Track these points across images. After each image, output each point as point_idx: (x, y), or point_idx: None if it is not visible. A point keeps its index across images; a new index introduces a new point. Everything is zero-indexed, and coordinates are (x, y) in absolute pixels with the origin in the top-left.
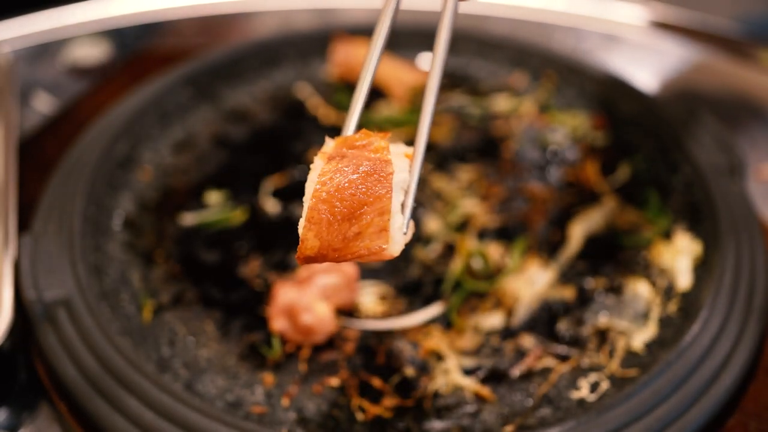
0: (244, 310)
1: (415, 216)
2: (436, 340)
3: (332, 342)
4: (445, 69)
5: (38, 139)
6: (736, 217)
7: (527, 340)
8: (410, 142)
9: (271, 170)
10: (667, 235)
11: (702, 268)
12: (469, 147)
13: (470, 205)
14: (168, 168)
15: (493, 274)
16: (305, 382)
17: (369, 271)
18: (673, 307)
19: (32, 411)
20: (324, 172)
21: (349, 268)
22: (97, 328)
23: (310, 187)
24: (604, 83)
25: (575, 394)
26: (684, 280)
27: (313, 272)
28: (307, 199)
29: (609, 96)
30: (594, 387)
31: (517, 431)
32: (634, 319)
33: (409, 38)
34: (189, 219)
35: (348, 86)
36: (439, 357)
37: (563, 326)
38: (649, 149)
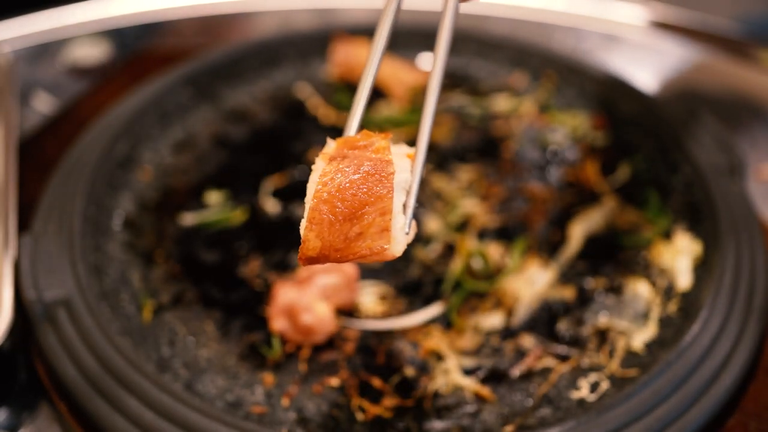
0: (244, 310)
1: (416, 216)
2: (436, 340)
3: (332, 342)
4: (446, 69)
5: (38, 139)
6: (736, 217)
7: (527, 340)
8: (410, 142)
9: (271, 170)
10: (667, 235)
11: (702, 268)
12: (469, 147)
13: (470, 205)
14: (168, 168)
15: (493, 274)
16: (305, 382)
17: (369, 271)
18: (673, 307)
19: (32, 411)
20: (325, 172)
21: (349, 268)
22: (97, 328)
23: (311, 188)
24: (604, 83)
25: (575, 394)
26: (684, 280)
27: (313, 272)
28: (309, 200)
29: (609, 96)
30: (594, 387)
31: (517, 431)
32: (634, 319)
33: (409, 38)
34: (189, 219)
35: (348, 86)
36: (439, 357)
37: (563, 326)
38: (649, 149)
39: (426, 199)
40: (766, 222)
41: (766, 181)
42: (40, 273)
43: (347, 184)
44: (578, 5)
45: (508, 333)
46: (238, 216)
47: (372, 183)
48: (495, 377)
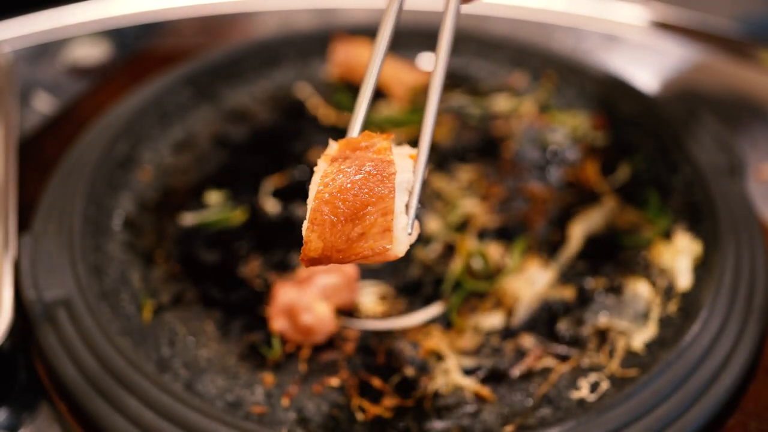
0: (244, 310)
1: (417, 216)
2: (436, 340)
3: (332, 342)
4: (447, 70)
5: (38, 139)
6: (736, 217)
7: (527, 340)
8: (411, 141)
9: (271, 170)
10: (667, 235)
11: (702, 268)
12: (469, 147)
13: (470, 205)
14: (168, 168)
15: (493, 274)
16: (305, 382)
17: (369, 271)
18: (673, 307)
19: (32, 411)
20: (326, 173)
21: (349, 268)
22: (97, 328)
23: (313, 189)
24: (604, 83)
25: (575, 394)
26: (684, 280)
27: (313, 272)
28: (311, 201)
29: (609, 96)
30: (594, 387)
31: (517, 431)
32: (634, 319)
33: (409, 38)
34: (189, 219)
35: (348, 86)
36: (439, 357)
37: (563, 326)
38: (649, 149)
39: (426, 199)
40: (766, 222)
41: (766, 181)
42: (40, 273)
43: (348, 185)
44: (578, 5)
45: (508, 333)
46: (238, 216)
47: (373, 183)
48: (495, 377)
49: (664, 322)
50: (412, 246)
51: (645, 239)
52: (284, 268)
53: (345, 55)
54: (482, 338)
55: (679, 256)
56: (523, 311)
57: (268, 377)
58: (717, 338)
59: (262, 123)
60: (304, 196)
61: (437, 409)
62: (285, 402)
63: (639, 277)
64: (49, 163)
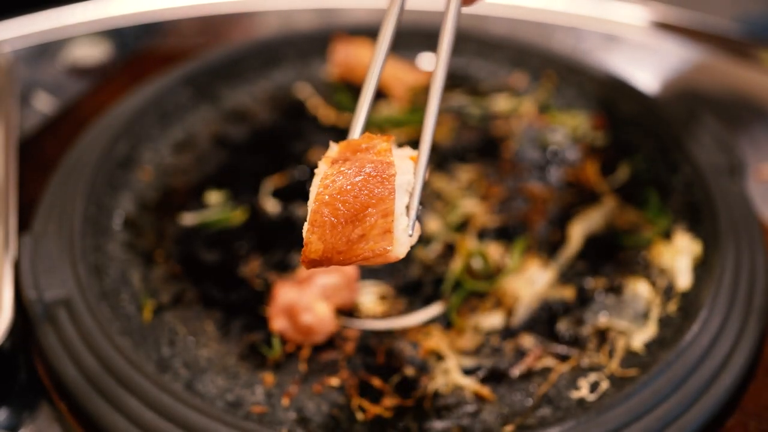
0: (244, 310)
1: (417, 217)
2: (436, 340)
3: (332, 342)
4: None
5: (38, 139)
6: (736, 217)
7: (527, 340)
8: (411, 141)
9: (271, 170)
10: (667, 235)
11: (702, 268)
12: (469, 147)
13: (470, 205)
14: (168, 168)
15: (493, 274)
16: (305, 382)
17: (369, 271)
18: (672, 307)
19: (32, 411)
20: (326, 175)
21: (349, 268)
22: (97, 328)
23: (313, 191)
24: (604, 83)
25: (575, 394)
26: (684, 280)
27: (313, 272)
28: (311, 203)
29: (609, 96)
30: (594, 387)
31: (517, 431)
32: (634, 319)
33: (409, 38)
34: (189, 219)
35: (348, 86)
36: (439, 357)
37: (563, 326)
38: (649, 149)
39: (426, 199)
40: (766, 222)
41: (766, 181)
42: (40, 273)
43: (348, 187)
44: (578, 5)
45: (508, 333)
46: (238, 216)
47: (373, 185)
48: (495, 377)
49: (664, 322)
50: (412, 247)
51: (645, 239)
52: (284, 268)
53: (345, 55)
54: (482, 338)
55: (679, 256)
56: (523, 311)
57: (268, 377)
58: (717, 338)
59: (262, 123)
60: (304, 196)
61: (437, 409)
62: (285, 402)
63: (639, 277)
64: (49, 163)
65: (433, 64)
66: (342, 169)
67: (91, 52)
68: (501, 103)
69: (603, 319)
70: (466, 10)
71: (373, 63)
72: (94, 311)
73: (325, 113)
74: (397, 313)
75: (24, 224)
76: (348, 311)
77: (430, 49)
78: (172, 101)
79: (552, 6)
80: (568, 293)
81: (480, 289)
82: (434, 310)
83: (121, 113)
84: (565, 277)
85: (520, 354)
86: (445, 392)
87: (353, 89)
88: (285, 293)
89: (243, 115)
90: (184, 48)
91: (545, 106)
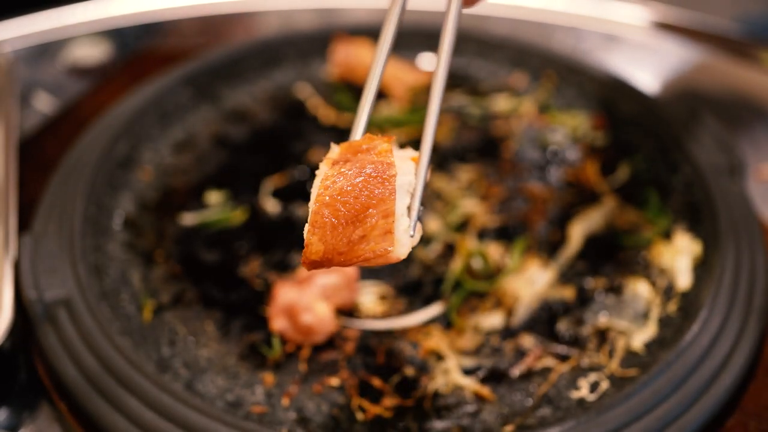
0: (244, 310)
1: (418, 217)
2: (436, 340)
3: (332, 342)
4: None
5: (38, 139)
6: (736, 217)
7: (527, 340)
8: (411, 141)
9: (271, 170)
10: (667, 235)
11: (702, 268)
12: (469, 147)
13: (470, 205)
14: (168, 168)
15: (493, 274)
16: (305, 382)
17: (369, 271)
18: (672, 307)
19: (32, 411)
20: (327, 176)
21: (349, 268)
22: (97, 328)
23: (314, 192)
24: (604, 83)
25: (575, 394)
26: (684, 280)
27: (313, 272)
28: (311, 204)
29: (609, 96)
30: (594, 387)
31: (517, 431)
32: (634, 319)
33: (409, 38)
34: (189, 219)
35: (348, 86)
36: (439, 357)
37: (563, 326)
38: (649, 149)
39: (426, 199)
40: (766, 222)
41: (766, 181)
42: (40, 273)
43: (349, 188)
44: (578, 5)
45: (508, 333)
46: (238, 216)
47: (374, 185)
48: (495, 377)
49: (664, 322)
50: (413, 248)
51: (645, 239)
52: (284, 268)
53: (345, 55)
54: (482, 338)
55: (679, 256)
56: (523, 311)
57: (268, 377)
58: (717, 338)
59: (262, 123)
60: (305, 196)
61: (437, 409)
62: (285, 402)
63: (639, 277)
64: (49, 163)
65: (434, 64)
66: (342, 170)
67: (91, 52)
68: (501, 103)
69: (603, 319)
70: (466, 10)
71: (375, 64)
72: (94, 311)
73: (325, 113)
74: (397, 313)
75: (24, 224)
76: (348, 311)
77: (430, 49)
78: (172, 101)
79: (552, 6)
80: (568, 293)
81: (480, 289)
82: (434, 310)
83: (121, 113)
84: (565, 277)
85: (520, 354)
86: (445, 392)
87: (353, 89)
88: (285, 293)
89: (243, 115)
90: (184, 48)
91: (545, 106)
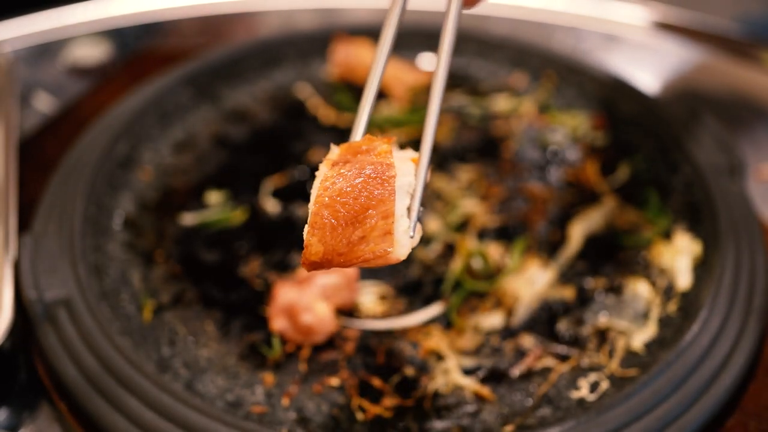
0: (244, 310)
1: (418, 218)
2: (436, 340)
3: (332, 342)
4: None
5: (38, 139)
6: (736, 217)
7: (527, 340)
8: (411, 142)
9: (271, 170)
10: (667, 235)
11: (702, 268)
12: (469, 147)
13: (470, 205)
14: (168, 168)
15: (493, 274)
16: (305, 382)
17: (369, 271)
18: (672, 307)
19: (32, 411)
20: (326, 177)
21: (349, 269)
22: (97, 328)
23: (313, 194)
24: (604, 83)
25: (575, 394)
26: (684, 280)
27: (313, 272)
28: (311, 206)
29: (609, 96)
30: (594, 387)
31: (517, 431)
32: (634, 319)
33: (409, 38)
34: (189, 219)
35: (348, 86)
36: (439, 357)
37: (563, 326)
38: (649, 149)
39: (426, 199)
40: (766, 222)
41: (766, 181)
42: (40, 273)
43: (348, 189)
44: (578, 5)
45: (508, 333)
46: (238, 216)
47: (373, 186)
48: (495, 377)
49: (664, 322)
50: (413, 248)
51: (645, 239)
52: (284, 268)
53: (345, 55)
54: (482, 338)
55: (679, 256)
56: (523, 311)
57: (268, 377)
58: (717, 338)
59: (262, 123)
60: (304, 196)
61: (437, 409)
62: (285, 402)
63: (639, 277)
64: (49, 163)
65: (434, 64)
66: (342, 171)
67: (91, 52)
68: (501, 103)
69: (603, 319)
70: (466, 11)
71: (375, 65)
72: (94, 311)
73: (325, 113)
74: (397, 313)
75: (24, 224)
76: (348, 311)
77: (430, 49)
78: (173, 101)
79: (552, 6)
80: (568, 293)
81: (480, 289)
82: (434, 310)
83: (121, 113)
84: (565, 277)
85: (520, 354)
86: (445, 392)
87: (353, 89)
88: (285, 293)
89: (243, 115)
90: (184, 48)
91: (545, 106)
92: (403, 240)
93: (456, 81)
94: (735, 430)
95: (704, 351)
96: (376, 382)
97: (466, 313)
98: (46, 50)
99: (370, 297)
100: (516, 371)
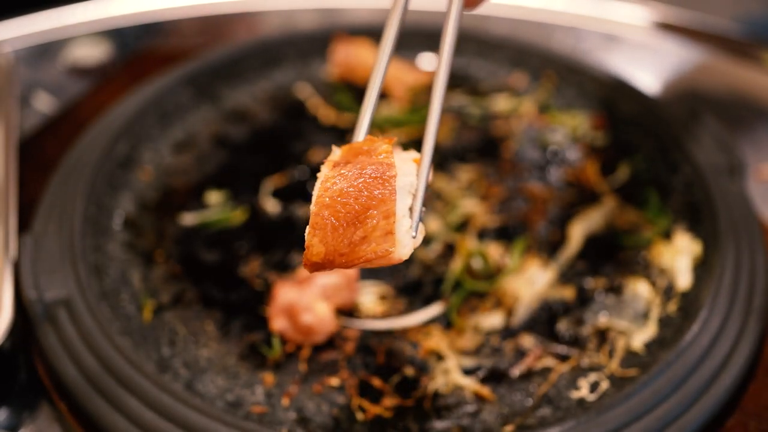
0: (244, 310)
1: (420, 219)
2: (436, 340)
3: (332, 342)
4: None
5: (38, 139)
6: (736, 217)
7: (527, 340)
8: (411, 142)
9: (271, 170)
10: (667, 235)
11: (702, 268)
12: (469, 147)
13: (470, 205)
14: (168, 168)
15: (493, 274)
16: (305, 382)
17: (369, 272)
18: (672, 307)
19: (32, 411)
20: (327, 178)
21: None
22: (97, 328)
23: (315, 195)
24: (604, 83)
25: (575, 394)
26: (684, 280)
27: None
28: (312, 206)
29: (609, 96)
30: (594, 387)
31: (517, 431)
32: (634, 319)
33: (409, 38)
34: (189, 219)
35: (348, 86)
36: (439, 357)
37: (563, 326)
38: (649, 149)
39: (426, 199)
40: (766, 222)
41: (766, 181)
42: (40, 273)
43: (349, 189)
44: (578, 5)
45: (508, 333)
46: (238, 216)
47: (374, 186)
48: (495, 377)
49: (664, 322)
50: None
51: (645, 239)
52: (284, 268)
53: (345, 55)
54: (482, 338)
55: (679, 256)
56: (523, 311)
57: (268, 377)
58: (717, 338)
59: (262, 123)
60: (305, 196)
61: (437, 409)
62: (285, 402)
63: (639, 277)
64: (49, 163)
65: (434, 65)
66: (343, 171)
67: (91, 52)
68: (501, 103)
69: (603, 319)
70: (467, 12)
71: (377, 65)
72: (94, 311)
73: (325, 113)
74: (397, 313)
75: (24, 224)
76: (348, 311)
77: (430, 49)
78: (172, 101)
79: (552, 6)
80: (568, 293)
81: (480, 289)
82: (434, 310)
83: (121, 113)
84: (565, 277)
85: (520, 354)
86: (445, 392)
87: (353, 89)
88: (285, 293)
89: (243, 115)
90: (184, 48)
91: (545, 106)
92: (404, 240)
93: (456, 81)
94: (735, 430)
95: (704, 351)
96: (376, 382)
97: (466, 313)
98: (46, 50)
99: (370, 297)
100: (516, 371)
